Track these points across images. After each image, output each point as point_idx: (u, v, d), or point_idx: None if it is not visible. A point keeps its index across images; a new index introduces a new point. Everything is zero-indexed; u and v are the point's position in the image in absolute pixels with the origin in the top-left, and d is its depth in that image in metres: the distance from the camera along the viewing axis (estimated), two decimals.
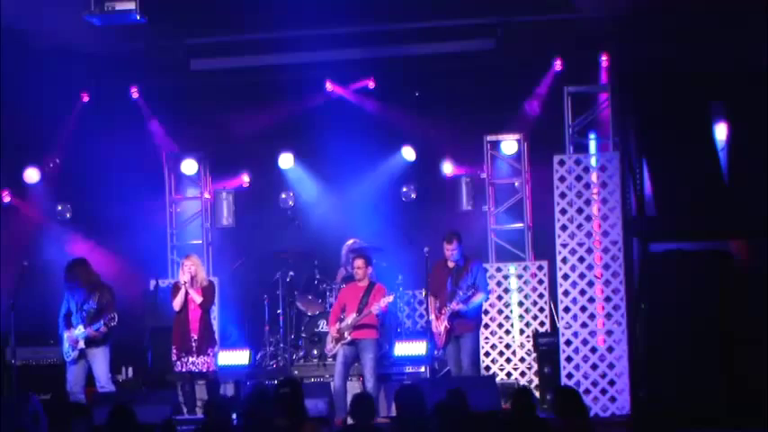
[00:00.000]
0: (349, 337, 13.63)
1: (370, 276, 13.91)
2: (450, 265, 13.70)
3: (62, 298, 13.65)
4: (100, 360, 13.45)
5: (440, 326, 13.55)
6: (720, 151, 13.67)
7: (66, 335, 13.47)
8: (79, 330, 13.35)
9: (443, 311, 13.52)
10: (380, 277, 15.46)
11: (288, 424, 9.11)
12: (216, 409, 9.58)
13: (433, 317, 13.70)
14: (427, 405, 9.16)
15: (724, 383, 12.42)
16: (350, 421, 9.75)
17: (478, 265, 13.85)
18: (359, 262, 13.86)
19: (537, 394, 14.86)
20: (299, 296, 15.78)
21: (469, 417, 9.08)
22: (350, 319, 13.67)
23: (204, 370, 13.74)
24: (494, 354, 15.52)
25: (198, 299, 13.75)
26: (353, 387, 13.87)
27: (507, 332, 15.56)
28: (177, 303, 13.79)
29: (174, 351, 13.76)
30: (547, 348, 14.58)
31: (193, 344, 13.69)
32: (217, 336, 14.55)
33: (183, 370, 13.73)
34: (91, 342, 13.37)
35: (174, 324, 13.88)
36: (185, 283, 13.77)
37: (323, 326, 14.94)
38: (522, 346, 15.49)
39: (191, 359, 13.68)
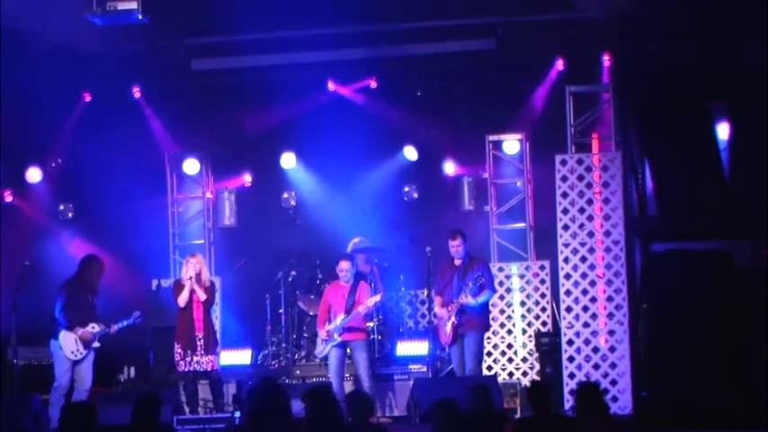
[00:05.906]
0: (339, 339, 13.62)
1: (354, 274, 13.87)
2: (457, 262, 13.64)
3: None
4: (91, 360, 13.55)
5: (447, 322, 13.45)
6: (722, 151, 13.71)
7: (78, 332, 13.43)
8: (94, 328, 13.41)
9: (450, 308, 13.44)
10: (382, 277, 15.49)
11: None
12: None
13: (442, 311, 13.55)
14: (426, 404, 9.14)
15: (724, 383, 12.43)
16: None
17: (485, 265, 13.84)
18: (345, 264, 13.81)
19: None
20: (301, 296, 15.76)
21: (464, 417, 9.03)
22: (338, 320, 13.64)
23: (208, 369, 13.71)
24: (496, 354, 15.49)
25: (203, 296, 13.69)
26: (349, 387, 13.85)
27: (509, 332, 15.53)
28: (183, 300, 13.71)
29: (179, 350, 13.68)
30: (549, 348, 14.57)
31: (199, 342, 13.65)
32: (218, 335, 14.55)
33: (187, 369, 13.66)
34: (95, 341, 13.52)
35: (178, 323, 13.82)
36: (191, 278, 13.72)
37: None
38: (524, 346, 15.46)
39: (195, 358, 13.63)
